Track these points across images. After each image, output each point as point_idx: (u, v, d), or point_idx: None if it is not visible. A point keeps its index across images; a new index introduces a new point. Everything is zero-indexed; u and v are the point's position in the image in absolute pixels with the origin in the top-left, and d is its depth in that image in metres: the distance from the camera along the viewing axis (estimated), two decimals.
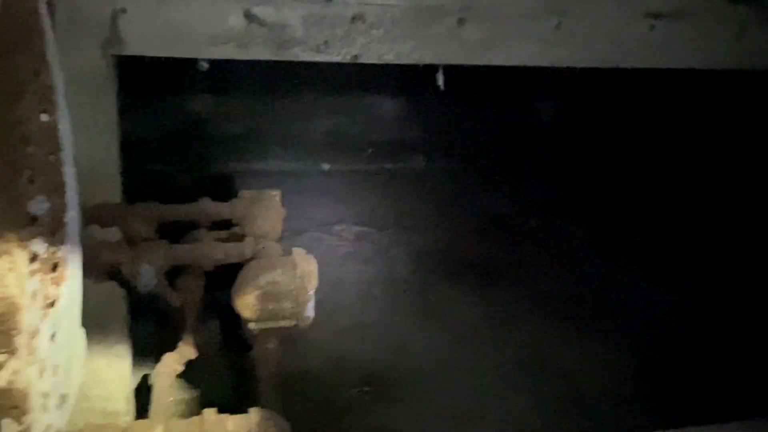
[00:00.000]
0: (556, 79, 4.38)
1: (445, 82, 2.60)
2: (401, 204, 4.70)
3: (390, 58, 2.35)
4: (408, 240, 4.26)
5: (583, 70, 2.54)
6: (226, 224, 2.34)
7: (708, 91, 3.72)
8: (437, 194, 5.00)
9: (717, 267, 3.88)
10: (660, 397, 2.84)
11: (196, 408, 2.26)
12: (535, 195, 4.85)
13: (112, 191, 2.27)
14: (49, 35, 1.15)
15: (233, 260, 2.00)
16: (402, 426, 2.62)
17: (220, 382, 2.53)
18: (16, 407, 1.21)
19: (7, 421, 1.21)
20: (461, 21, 2.36)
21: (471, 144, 5.28)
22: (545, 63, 2.48)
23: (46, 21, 1.15)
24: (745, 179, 4.18)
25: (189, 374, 2.50)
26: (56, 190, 1.22)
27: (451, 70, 2.52)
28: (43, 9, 1.12)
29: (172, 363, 2.44)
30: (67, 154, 1.24)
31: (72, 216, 1.26)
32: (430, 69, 2.51)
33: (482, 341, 3.22)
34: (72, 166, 1.26)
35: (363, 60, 2.35)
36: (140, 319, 2.64)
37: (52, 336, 1.27)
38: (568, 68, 2.53)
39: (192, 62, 2.35)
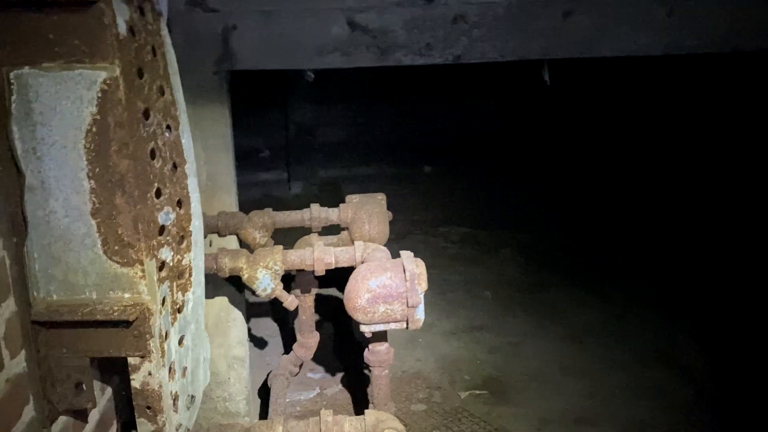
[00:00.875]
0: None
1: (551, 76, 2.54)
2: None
3: (494, 56, 2.32)
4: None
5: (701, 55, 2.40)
6: (336, 228, 2.40)
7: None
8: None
9: None
10: None
11: (313, 409, 2.31)
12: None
13: (228, 201, 2.37)
14: (171, 54, 1.22)
15: (344, 264, 2.04)
16: (515, 429, 2.57)
17: (337, 382, 2.59)
18: (149, 407, 1.28)
19: (142, 421, 1.29)
20: (567, 14, 2.29)
21: (574, 143, 5.14)
22: (659, 51, 2.37)
23: (168, 41, 1.22)
24: None
25: (308, 374, 2.58)
26: (181, 201, 1.28)
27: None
28: (165, 30, 1.19)
29: (289, 365, 2.52)
30: (190, 167, 1.31)
31: (196, 225, 1.33)
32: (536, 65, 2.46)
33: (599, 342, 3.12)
34: (195, 178, 1.32)
35: (466, 60, 2.33)
36: (258, 323, 2.75)
37: (181, 339, 1.34)
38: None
39: (297, 73, 2.41)
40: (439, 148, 5.33)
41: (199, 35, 2.19)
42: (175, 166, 1.25)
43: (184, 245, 1.29)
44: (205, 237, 1.89)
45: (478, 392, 2.80)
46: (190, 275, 1.33)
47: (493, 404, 2.70)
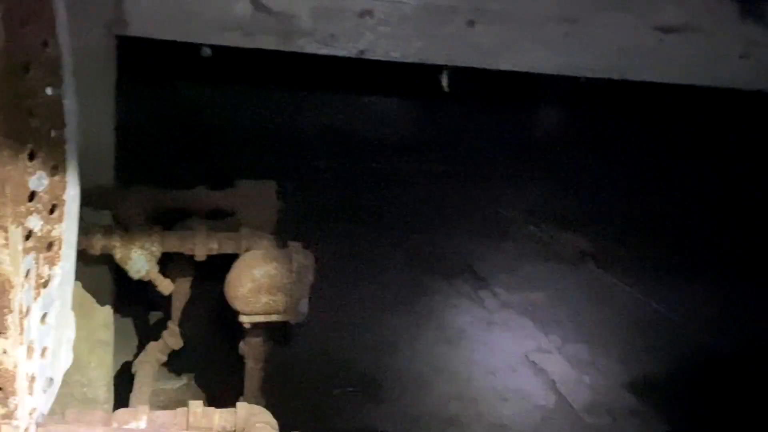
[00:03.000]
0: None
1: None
2: None
3: (397, 55, 2.32)
4: None
5: (590, 79, 2.53)
6: (221, 214, 2.31)
7: (712, 108, 3.72)
8: None
9: None
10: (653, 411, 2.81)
11: (179, 399, 2.21)
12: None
13: (106, 174, 2.22)
14: (60, 7, 1.11)
15: (228, 251, 1.96)
16: (385, 427, 2.59)
17: (206, 374, 2.49)
18: (1, 389, 1.17)
19: None
20: (471, 23, 2.34)
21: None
22: (552, 70, 2.46)
23: None
24: (740, 195, 4.19)
25: (174, 365, 2.46)
26: (57, 167, 1.17)
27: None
28: None
29: (156, 352, 2.40)
30: (71, 132, 1.20)
31: (71, 195, 1.22)
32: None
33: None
34: (74, 144, 1.22)
35: (369, 56, 2.32)
36: (126, 306, 2.59)
37: (43, 317, 1.23)
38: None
39: (194, 48, 2.30)
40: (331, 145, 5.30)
41: None
42: (53, 129, 1.15)
43: (55, 215, 1.18)
44: None
45: (350, 389, 2.79)
46: (60, 248, 1.22)
47: (365, 402, 2.71)
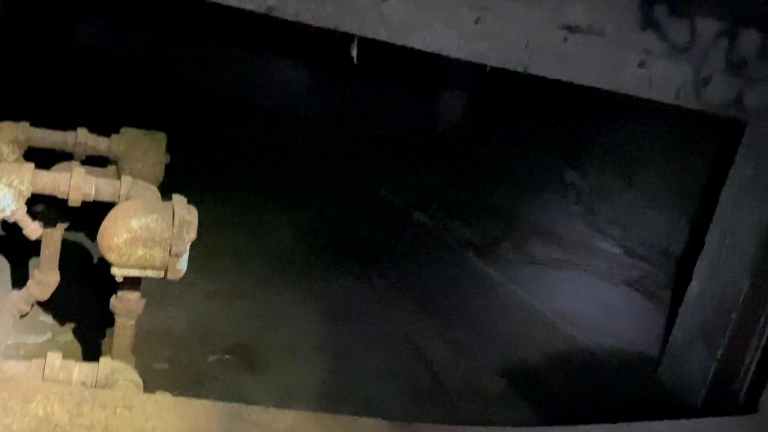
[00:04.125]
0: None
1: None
2: None
3: (306, 17, 2.26)
4: None
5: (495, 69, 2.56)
6: (103, 161, 2.17)
7: (610, 112, 3.90)
8: None
9: None
10: (522, 397, 2.91)
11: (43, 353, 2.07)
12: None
13: None
14: None
15: (105, 198, 1.83)
16: (256, 398, 2.53)
17: (74, 329, 2.33)
18: None
19: None
20: None
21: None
22: (460, 55, 2.47)
23: None
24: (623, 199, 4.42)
25: (40, 317, 2.30)
26: None
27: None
28: None
29: (19, 302, 2.23)
30: None
31: None
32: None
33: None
34: None
35: (278, 14, 2.24)
36: None
37: None
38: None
39: None
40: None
41: None
42: None
43: None
44: None
45: (227, 357, 2.72)
46: None
47: (240, 372, 2.65)
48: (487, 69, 2.59)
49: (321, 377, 2.74)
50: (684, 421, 2.48)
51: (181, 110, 4.69)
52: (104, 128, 2.27)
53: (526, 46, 2.53)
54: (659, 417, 2.45)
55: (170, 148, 2.23)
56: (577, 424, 2.27)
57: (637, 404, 2.90)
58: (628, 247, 4.35)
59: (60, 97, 3.98)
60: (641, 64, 2.54)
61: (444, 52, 2.47)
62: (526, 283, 3.91)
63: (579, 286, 4.00)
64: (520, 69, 2.56)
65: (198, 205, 1.81)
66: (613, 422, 2.29)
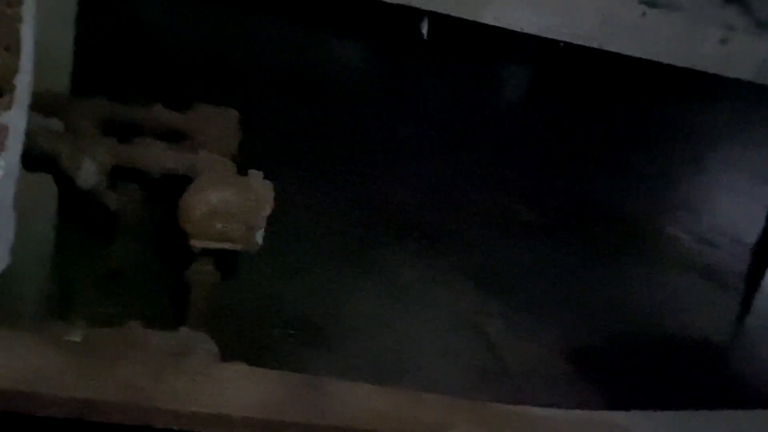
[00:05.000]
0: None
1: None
2: None
3: None
4: None
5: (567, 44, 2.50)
6: (178, 136, 2.21)
7: (687, 91, 3.77)
8: None
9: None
10: (587, 380, 2.87)
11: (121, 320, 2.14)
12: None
13: (61, 79, 2.09)
14: None
15: (184, 172, 1.88)
16: (324, 373, 2.57)
17: (152, 297, 2.41)
18: None
19: None
20: None
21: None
22: (533, 30, 2.43)
23: None
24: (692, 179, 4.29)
25: (119, 286, 2.37)
26: (9, 48, 1.08)
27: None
28: None
29: (97, 272, 2.32)
30: (28, 11, 1.10)
31: (23, 81, 1.13)
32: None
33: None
34: (31, 26, 1.12)
35: None
36: (68, 221, 2.48)
37: None
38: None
39: None
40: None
41: None
42: (8, 5, 1.05)
43: (4, 100, 1.09)
44: None
45: (290, 332, 2.77)
46: (6, 137, 1.13)
47: (304, 346, 2.69)
48: (561, 45, 2.54)
49: (383, 355, 2.76)
50: (758, 411, 2.40)
51: (251, 88, 4.76)
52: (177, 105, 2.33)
53: (601, 22, 2.46)
54: (731, 406, 2.38)
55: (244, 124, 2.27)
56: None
57: (708, 393, 2.82)
58: (697, 233, 4.22)
59: (132, 72, 4.09)
60: (723, 41, 2.44)
61: (516, 27, 2.43)
62: (591, 267, 3.84)
63: (646, 272, 3.91)
64: (594, 45, 2.50)
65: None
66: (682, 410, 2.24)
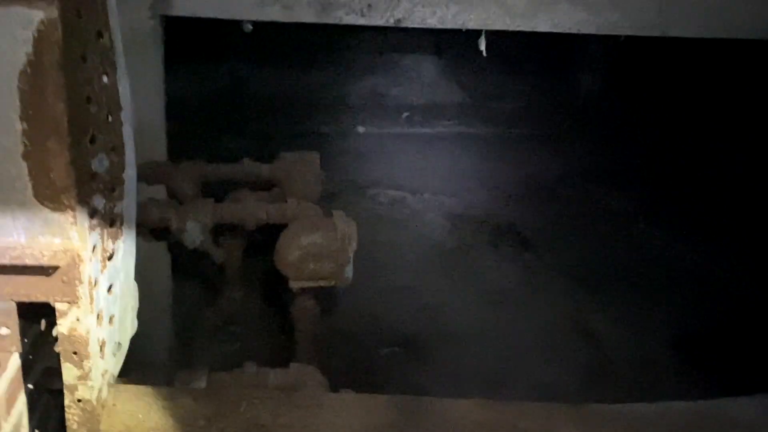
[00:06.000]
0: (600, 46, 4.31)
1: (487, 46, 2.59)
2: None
3: (433, 22, 2.35)
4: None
5: (628, 38, 2.51)
6: (267, 185, 2.40)
7: (754, 61, 3.62)
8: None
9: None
10: (697, 368, 2.82)
11: (237, 361, 2.34)
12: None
13: (158, 150, 2.33)
14: None
15: (275, 221, 2.05)
16: (431, 386, 2.67)
17: (261, 337, 2.62)
18: (76, 353, 1.28)
19: (67, 366, 1.28)
20: None
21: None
22: (592, 30, 2.45)
23: None
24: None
25: (233, 331, 2.58)
26: (115, 149, 1.26)
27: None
28: None
29: (213, 317, 2.53)
30: (126, 115, 1.29)
31: (129, 174, 1.31)
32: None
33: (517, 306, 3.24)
34: (130, 126, 1.31)
35: (406, 24, 2.35)
36: (183, 275, 2.73)
37: (110, 288, 1.34)
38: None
39: (236, 24, 2.37)
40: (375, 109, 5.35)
41: None
42: (110, 113, 1.23)
43: (116, 193, 1.28)
44: None
45: (397, 349, 2.88)
46: (121, 224, 1.32)
47: (411, 362, 2.80)
48: (621, 39, 2.54)
49: (489, 363, 2.82)
50: None
51: (330, 123, 4.99)
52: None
53: (660, 9, 2.45)
54: None
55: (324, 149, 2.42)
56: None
57: None
58: None
59: (222, 127, 4.39)
60: None
61: (575, 30, 2.46)
62: (692, 252, 3.73)
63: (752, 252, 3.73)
64: (657, 33, 2.49)
65: (355, 204, 1.97)
66: None
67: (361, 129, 5.39)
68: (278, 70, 4.73)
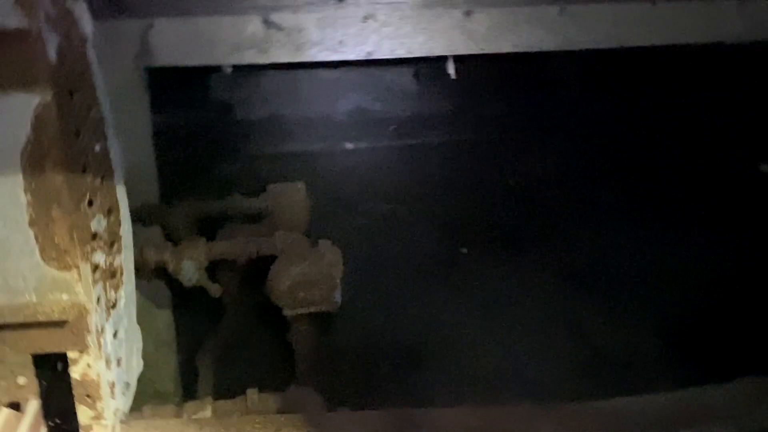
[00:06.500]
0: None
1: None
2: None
3: (401, 53, 2.48)
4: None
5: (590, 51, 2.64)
6: (257, 217, 2.52)
7: (712, 66, 3.75)
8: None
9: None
10: (686, 362, 2.91)
11: (241, 387, 2.46)
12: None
13: (151, 192, 2.45)
14: (97, 74, 1.32)
15: (266, 253, 2.18)
16: (434, 393, 2.77)
17: (262, 363, 2.74)
18: (89, 395, 1.40)
19: (82, 408, 1.41)
20: (468, 13, 2.48)
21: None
22: (551, 47, 2.58)
23: (94, 61, 1.32)
24: (749, 149, 4.19)
25: (234, 360, 2.69)
26: (111, 208, 1.39)
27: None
28: (91, 54, 1.29)
29: (214, 347, 2.65)
30: (118, 176, 1.42)
31: (125, 229, 1.44)
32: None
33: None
34: (123, 186, 1.44)
35: (376, 56, 2.48)
36: (183, 309, 2.85)
37: (115, 333, 1.46)
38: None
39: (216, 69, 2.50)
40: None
41: (119, 32, 2.26)
42: (104, 178, 1.36)
43: (115, 248, 1.41)
44: None
45: (398, 362, 2.98)
46: (122, 275, 1.45)
47: (413, 374, 2.90)
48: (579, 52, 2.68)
49: (486, 367, 2.92)
50: None
51: (316, 146, 5.10)
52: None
53: (615, 22, 2.59)
54: None
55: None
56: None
57: None
58: None
59: (210, 164, 4.50)
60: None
61: (537, 49, 2.60)
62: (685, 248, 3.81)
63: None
64: (614, 45, 2.63)
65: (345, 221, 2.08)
66: None
67: (349, 146, 5.52)
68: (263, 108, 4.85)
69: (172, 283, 2.28)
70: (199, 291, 2.32)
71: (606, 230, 4.10)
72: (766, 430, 2.07)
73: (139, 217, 2.31)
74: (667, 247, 3.44)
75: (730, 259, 3.54)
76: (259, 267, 2.28)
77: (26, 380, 1.36)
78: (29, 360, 1.33)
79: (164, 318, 2.46)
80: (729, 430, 1.92)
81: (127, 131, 2.33)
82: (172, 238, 2.34)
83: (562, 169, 4.86)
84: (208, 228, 2.47)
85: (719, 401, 2.16)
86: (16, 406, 1.42)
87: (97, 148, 1.31)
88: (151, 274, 2.20)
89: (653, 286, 3.36)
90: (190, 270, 2.08)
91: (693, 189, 4.14)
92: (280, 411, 1.85)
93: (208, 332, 2.60)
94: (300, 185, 2.54)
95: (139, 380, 2.47)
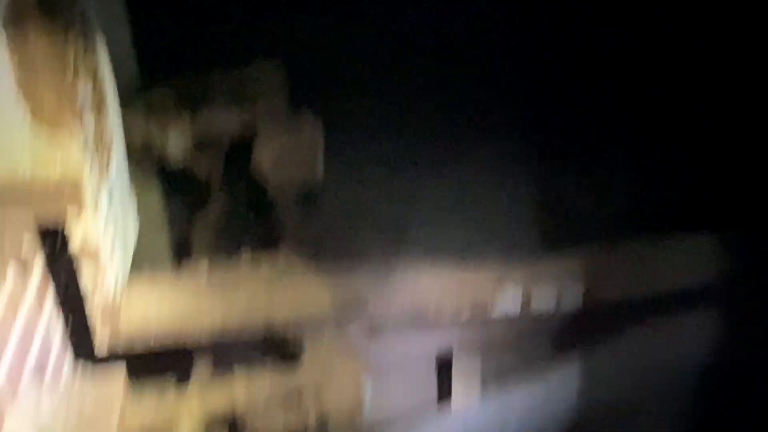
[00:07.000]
0: None
1: None
2: None
3: None
4: None
5: None
6: (237, 95, 2.55)
7: None
8: None
9: None
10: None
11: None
12: None
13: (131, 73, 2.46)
14: None
15: (247, 127, 2.23)
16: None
17: (253, 231, 2.84)
18: (90, 257, 1.51)
19: (87, 262, 1.51)
20: None
21: None
22: None
23: None
24: None
25: (225, 230, 2.80)
26: (96, 72, 1.45)
27: None
28: None
29: (206, 224, 2.76)
30: (101, 38, 1.46)
31: (110, 92, 1.50)
32: None
33: None
34: (105, 48, 1.48)
35: None
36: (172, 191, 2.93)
37: (110, 198, 1.55)
38: None
39: None
40: None
41: None
42: (86, 38, 1.40)
43: (102, 111, 1.47)
44: None
45: (381, 236, 3.10)
46: (111, 139, 1.53)
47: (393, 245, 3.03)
48: None
49: (465, 235, 3.06)
50: None
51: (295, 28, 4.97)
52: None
53: None
54: None
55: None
56: None
57: None
58: None
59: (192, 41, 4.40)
60: None
61: None
62: None
63: None
64: None
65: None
66: None
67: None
68: None
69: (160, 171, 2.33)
70: (188, 173, 2.38)
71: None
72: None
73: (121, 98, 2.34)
74: None
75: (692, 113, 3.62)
76: (243, 155, 2.34)
77: (31, 240, 1.45)
78: (33, 220, 1.42)
79: (154, 204, 2.53)
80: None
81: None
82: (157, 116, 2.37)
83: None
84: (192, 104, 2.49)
85: (677, 251, 2.36)
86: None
87: (77, 8, 1.35)
88: (139, 154, 2.25)
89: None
90: (176, 147, 2.13)
91: None
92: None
93: (199, 209, 2.69)
94: (277, 62, 2.55)
95: (137, 251, 2.58)
